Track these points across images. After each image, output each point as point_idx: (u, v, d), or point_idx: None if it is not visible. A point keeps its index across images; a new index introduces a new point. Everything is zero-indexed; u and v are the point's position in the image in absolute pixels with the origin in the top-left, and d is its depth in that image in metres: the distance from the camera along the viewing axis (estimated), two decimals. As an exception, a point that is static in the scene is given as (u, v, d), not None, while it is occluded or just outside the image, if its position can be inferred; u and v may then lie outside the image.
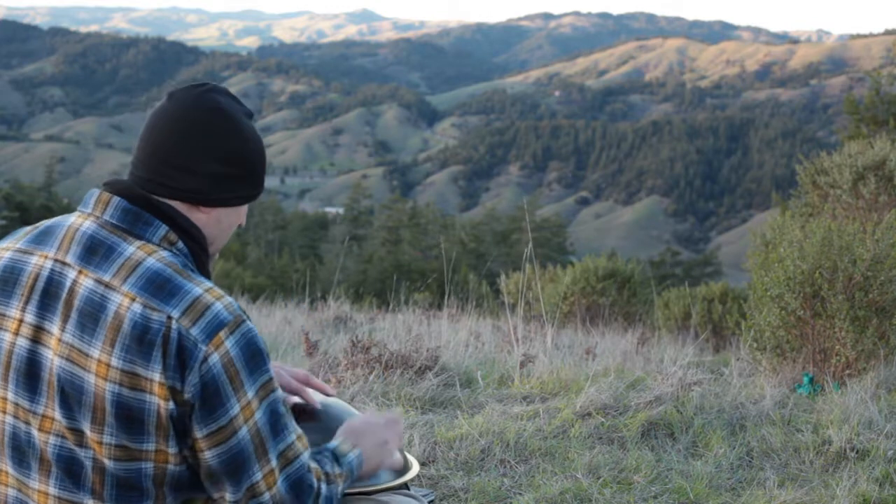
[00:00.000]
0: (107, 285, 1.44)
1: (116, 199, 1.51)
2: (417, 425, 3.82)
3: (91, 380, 1.41)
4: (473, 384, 4.52)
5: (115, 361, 1.40)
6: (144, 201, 1.51)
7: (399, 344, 4.76)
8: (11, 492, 1.50)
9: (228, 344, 1.42)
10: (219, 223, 1.60)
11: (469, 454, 3.53)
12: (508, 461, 3.51)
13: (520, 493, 3.21)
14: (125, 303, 1.42)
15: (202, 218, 1.57)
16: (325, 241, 48.36)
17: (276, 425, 1.48)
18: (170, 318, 1.41)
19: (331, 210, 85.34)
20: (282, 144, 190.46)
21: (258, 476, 1.46)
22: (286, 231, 53.15)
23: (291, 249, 44.84)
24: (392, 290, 8.14)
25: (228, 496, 1.47)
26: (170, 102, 1.56)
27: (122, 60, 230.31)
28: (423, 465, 3.44)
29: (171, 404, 1.40)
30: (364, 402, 4.11)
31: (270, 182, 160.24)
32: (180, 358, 1.40)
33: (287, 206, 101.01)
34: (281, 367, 1.90)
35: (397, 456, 1.80)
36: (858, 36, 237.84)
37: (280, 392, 1.50)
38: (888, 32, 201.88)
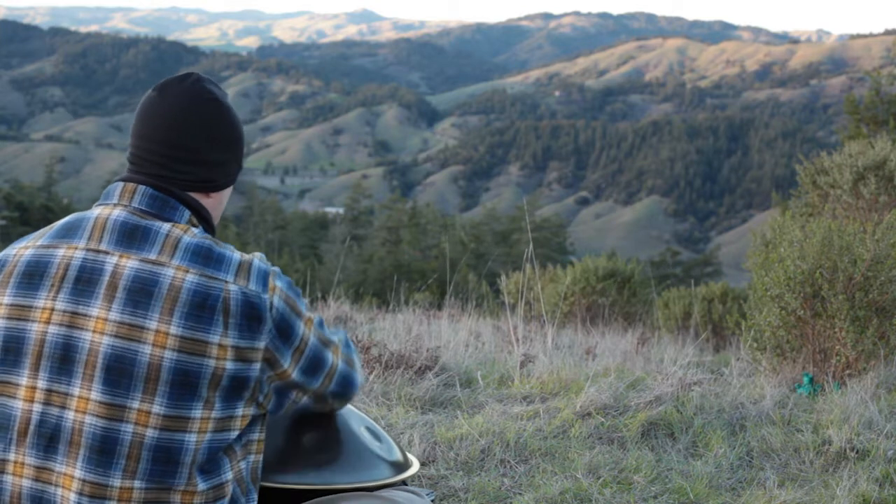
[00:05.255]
0: (154, 262, 1.51)
1: (143, 187, 1.59)
2: (417, 425, 3.82)
3: (147, 350, 1.47)
4: (473, 384, 4.52)
5: (174, 329, 1.47)
6: (167, 190, 1.60)
7: (399, 344, 4.76)
8: (27, 482, 1.51)
9: (279, 284, 1.58)
10: (221, 204, 1.72)
11: (469, 454, 3.53)
12: (508, 461, 3.51)
13: (520, 493, 3.21)
14: (179, 275, 1.50)
15: (209, 202, 1.68)
16: (325, 241, 48.32)
17: (322, 322, 1.70)
18: (226, 282, 1.52)
19: (331, 210, 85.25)
20: (282, 144, 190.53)
21: (331, 359, 1.70)
22: (286, 231, 53.12)
23: (291, 249, 44.80)
24: (392, 290, 8.14)
25: (315, 387, 1.68)
26: (164, 97, 1.62)
27: (122, 60, 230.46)
28: (423, 465, 3.44)
29: (231, 364, 1.50)
30: (364, 401, 4.11)
31: (270, 182, 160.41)
32: (250, 314, 1.52)
33: (287, 206, 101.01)
34: None
35: None
36: (858, 36, 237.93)
37: None
38: (888, 32, 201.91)
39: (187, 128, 1.60)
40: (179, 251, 1.52)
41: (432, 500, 2.29)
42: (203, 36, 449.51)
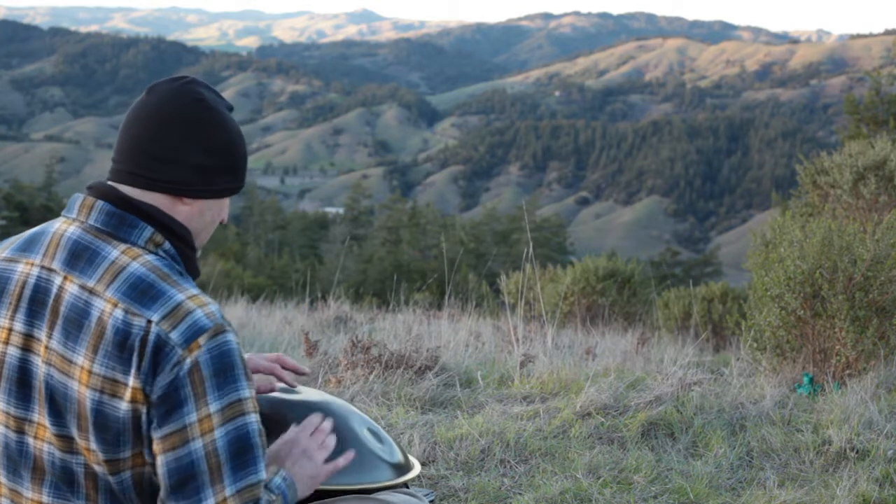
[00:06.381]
0: (91, 291, 1.43)
1: (100, 203, 1.50)
2: (417, 425, 3.82)
3: (75, 386, 1.40)
4: (473, 384, 4.52)
5: (96, 368, 1.39)
6: (128, 204, 1.50)
7: (399, 344, 4.76)
8: (5, 502, 1.49)
9: (203, 350, 1.39)
10: (202, 216, 1.58)
11: (469, 454, 3.53)
12: (508, 461, 3.51)
13: (520, 493, 3.21)
14: (108, 308, 1.41)
15: (185, 210, 1.55)
16: (325, 241, 48.34)
17: (240, 454, 1.40)
18: (150, 322, 1.39)
19: (331, 210, 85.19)
20: (282, 144, 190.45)
21: (210, 502, 1.38)
22: (286, 231, 53.14)
23: (291, 249, 44.83)
24: (392, 290, 8.13)
25: None
26: (150, 96, 1.54)
27: (122, 60, 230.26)
28: (423, 465, 3.44)
29: (144, 407, 1.39)
30: (364, 402, 4.11)
31: (270, 182, 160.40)
32: (154, 359, 1.38)
33: (287, 206, 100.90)
34: (253, 354, 1.94)
35: (321, 458, 1.68)
36: (858, 36, 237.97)
37: (256, 423, 1.43)
38: (888, 32, 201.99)
39: (163, 124, 1.50)
40: (118, 281, 1.42)
41: (431, 501, 2.29)
42: (203, 36, 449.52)
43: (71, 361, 1.41)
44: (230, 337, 1.42)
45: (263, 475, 1.43)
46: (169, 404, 1.37)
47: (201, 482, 1.37)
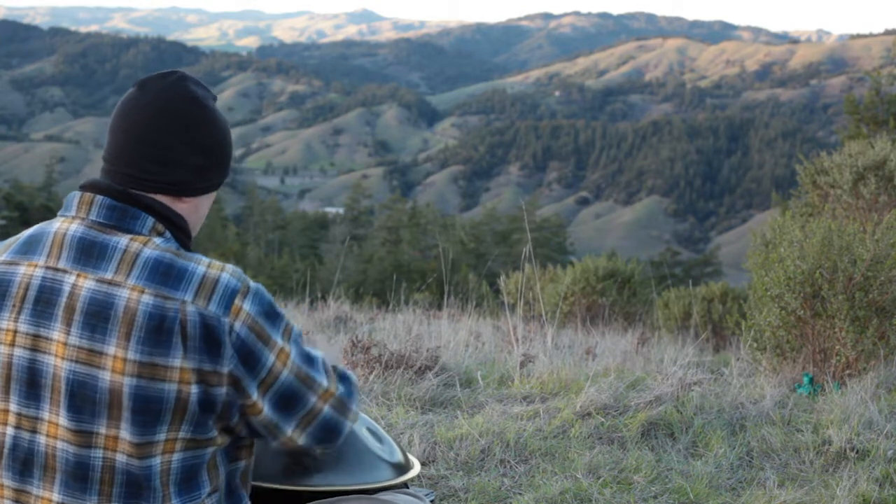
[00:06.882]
0: (110, 283, 1.44)
1: (100, 198, 1.51)
2: (417, 425, 3.82)
3: (107, 377, 1.42)
4: (473, 384, 4.52)
5: (131, 355, 1.41)
6: (128, 197, 1.51)
7: (399, 344, 4.76)
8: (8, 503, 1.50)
9: (247, 308, 1.47)
10: (197, 210, 1.62)
11: (469, 454, 3.53)
12: (508, 461, 3.51)
13: (520, 493, 3.21)
14: (134, 296, 1.43)
15: (184, 208, 1.58)
16: (325, 241, 48.37)
17: (307, 355, 1.57)
18: (184, 302, 1.43)
19: (331, 210, 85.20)
20: (282, 144, 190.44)
21: (313, 401, 1.56)
22: (286, 231, 53.16)
23: (291, 249, 44.87)
24: (392, 290, 8.14)
25: (288, 432, 1.55)
26: (142, 93, 1.54)
27: (122, 60, 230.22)
28: (423, 465, 3.44)
29: (196, 387, 1.43)
30: (364, 402, 4.11)
31: (270, 182, 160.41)
32: (209, 338, 1.43)
33: (287, 206, 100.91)
34: None
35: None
36: (858, 36, 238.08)
37: (296, 325, 1.58)
38: (888, 32, 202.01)
39: (161, 126, 1.52)
40: (137, 268, 1.45)
41: (431, 501, 2.29)
42: (203, 36, 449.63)
43: (101, 353, 1.42)
44: (256, 285, 1.51)
45: (319, 351, 1.64)
46: (250, 364, 1.47)
47: (301, 393, 1.54)
